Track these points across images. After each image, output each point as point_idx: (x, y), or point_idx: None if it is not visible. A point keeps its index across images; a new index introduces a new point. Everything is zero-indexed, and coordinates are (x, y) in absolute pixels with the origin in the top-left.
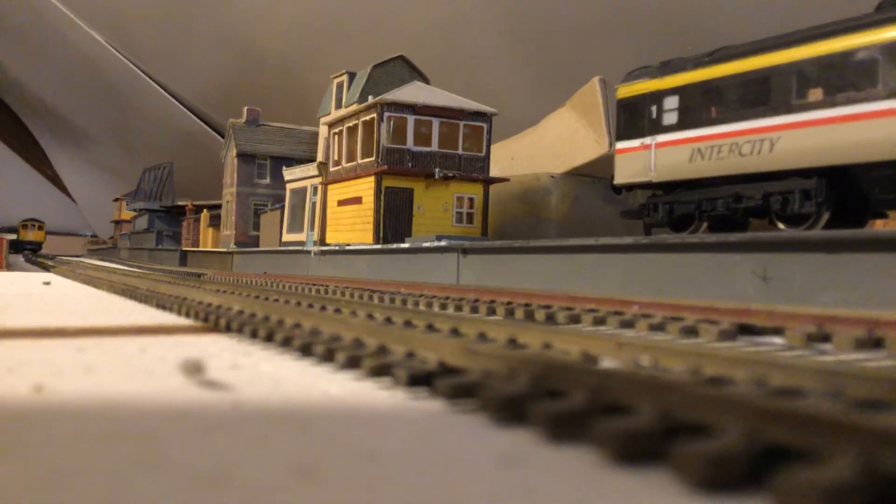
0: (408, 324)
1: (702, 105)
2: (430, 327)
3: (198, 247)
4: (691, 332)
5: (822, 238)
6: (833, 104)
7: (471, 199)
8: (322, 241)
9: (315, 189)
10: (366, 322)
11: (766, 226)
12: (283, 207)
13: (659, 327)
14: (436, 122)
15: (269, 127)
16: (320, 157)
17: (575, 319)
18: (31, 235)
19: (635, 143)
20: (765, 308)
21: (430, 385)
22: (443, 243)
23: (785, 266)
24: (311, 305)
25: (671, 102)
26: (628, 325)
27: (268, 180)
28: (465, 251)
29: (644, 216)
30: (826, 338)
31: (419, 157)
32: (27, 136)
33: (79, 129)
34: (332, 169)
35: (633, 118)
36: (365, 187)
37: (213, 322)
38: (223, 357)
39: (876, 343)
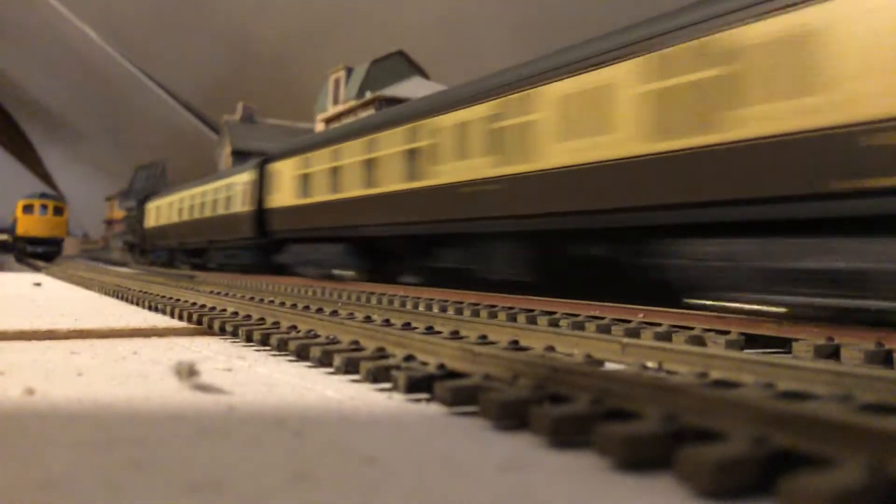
0: (407, 326)
1: None
2: (430, 329)
3: None
4: (698, 341)
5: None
6: None
7: None
8: None
9: None
10: (363, 324)
11: None
12: None
13: (665, 337)
14: None
15: (264, 124)
16: None
17: (578, 327)
18: (42, 227)
19: None
20: (773, 318)
21: (430, 389)
22: None
23: None
24: (307, 307)
25: None
26: (633, 333)
27: None
28: None
29: None
30: (836, 351)
31: None
32: (17, 133)
33: (70, 127)
34: None
35: None
36: None
37: (206, 324)
38: (217, 360)
39: (886, 357)
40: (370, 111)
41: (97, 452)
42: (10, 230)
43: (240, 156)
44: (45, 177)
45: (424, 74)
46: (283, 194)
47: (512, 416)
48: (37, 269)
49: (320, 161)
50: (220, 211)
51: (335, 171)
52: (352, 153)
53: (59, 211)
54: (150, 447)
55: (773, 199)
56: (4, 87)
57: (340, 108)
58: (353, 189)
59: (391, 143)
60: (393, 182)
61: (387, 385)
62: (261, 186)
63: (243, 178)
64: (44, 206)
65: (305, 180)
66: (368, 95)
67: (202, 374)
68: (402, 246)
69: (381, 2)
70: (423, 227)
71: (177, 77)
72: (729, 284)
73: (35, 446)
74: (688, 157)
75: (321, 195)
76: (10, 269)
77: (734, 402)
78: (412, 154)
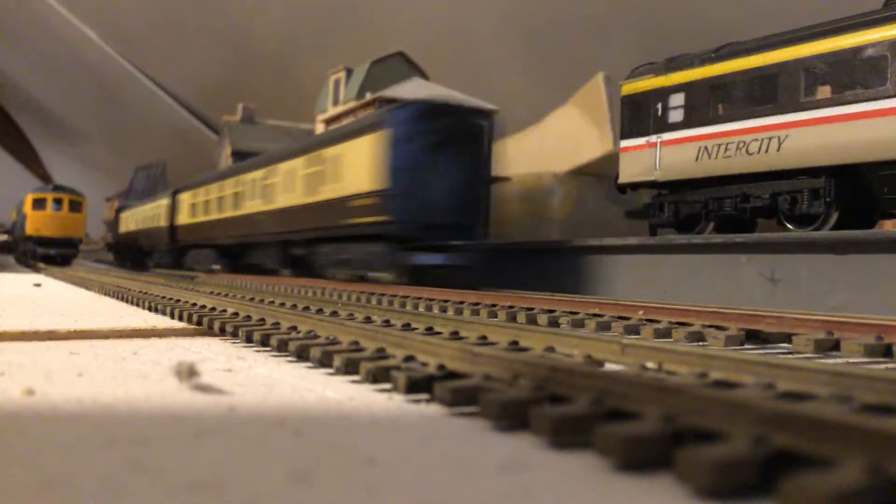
0: (406, 326)
1: (708, 102)
2: (430, 330)
3: None
4: (698, 337)
5: (831, 239)
6: (842, 102)
7: None
8: None
9: None
10: (363, 325)
11: (774, 226)
12: None
13: (665, 333)
14: None
15: (265, 125)
16: None
17: (578, 325)
18: (56, 225)
19: (640, 141)
20: (773, 313)
21: (430, 390)
22: None
23: (793, 267)
24: (307, 308)
25: (677, 100)
26: (633, 330)
27: None
28: None
29: (649, 216)
30: (836, 345)
31: None
32: (18, 134)
33: (70, 127)
34: None
35: (637, 116)
36: None
37: (206, 325)
38: (217, 361)
39: (886, 350)
40: (370, 111)
41: (97, 453)
42: (13, 229)
43: (240, 156)
44: (45, 177)
45: (424, 75)
46: (184, 215)
47: (512, 417)
48: (37, 270)
49: (201, 195)
50: (154, 224)
51: (206, 203)
52: (213, 192)
53: (75, 206)
54: (151, 447)
55: (330, 227)
56: (4, 89)
57: (340, 108)
58: (214, 214)
59: (228, 187)
60: (228, 211)
61: (387, 386)
62: (172, 209)
63: (164, 202)
64: (58, 201)
65: (194, 207)
66: (368, 96)
67: (202, 374)
68: (237, 250)
69: (382, 3)
70: (241, 238)
71: (177, 77)
72: (329, 267)
73: (35, 447)
74: (314, 206)
75: (201, 217)
76: (11, 270)
77: (734, 403)
78: (236, 195)
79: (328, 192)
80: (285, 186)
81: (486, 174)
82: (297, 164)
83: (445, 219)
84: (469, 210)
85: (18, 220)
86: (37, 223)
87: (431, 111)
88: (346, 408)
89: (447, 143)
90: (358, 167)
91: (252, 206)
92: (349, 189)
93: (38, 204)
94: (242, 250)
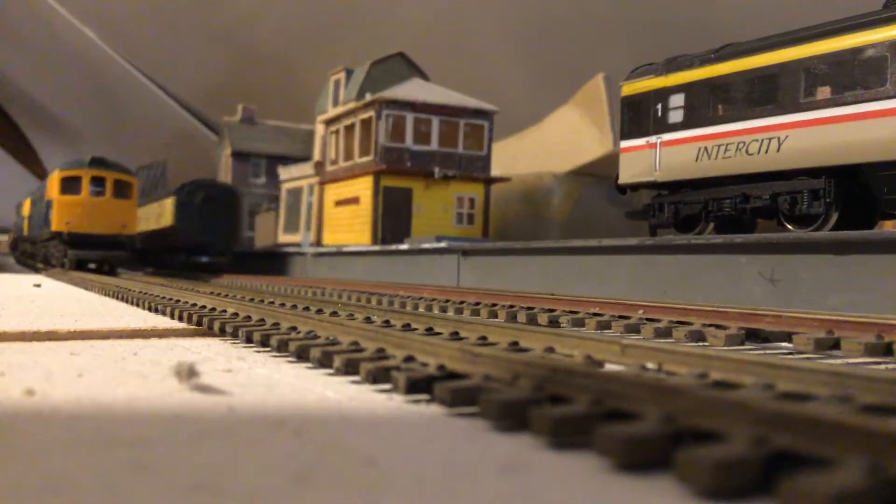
0: (407, 327)
1: (708, 103)
2: (430, 331)
3: None
4: (698, 336)
5: (831, 239)
6: (841, 102)
7: (471, 200)
8: (318, 243)
9: (311, 189)
10: (363, 325)
11: (774, 226)
12: (278, 208)
13: (665, 332)
14: (435, 120)
15: (265, 125)
16: (317, 156)
17: (579, 324)
18: (97, 216)
19: (640, 141)
20: (772, 312)
21: (430, 390)
22: (442, 244)
23: (793, 268)
24: (307, 308)
25: (677, 100)
26: (633, 329)
27: (263, 180)
28: (465, 253)
29: (649, 217)
30: (836, 344)
31: (418, 157)
32: (18, 134)
33: (70, 127)
34: (329, 168)
35: (637, 116)
36: (363, 187)
37: (206, 325)
38: (217, 361)
39: (886, 349)
40: (370, 113)
41: (97, 453)
42: (29, 225)
43: (241, 157)
44: (44, 178)
45: (424, 76)
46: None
47: (512, 417)
48: (36, 270)
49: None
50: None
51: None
52: (145, 210)
53: (122, 189)
54: (151, 448)
55: (165, 243)
56: (4, 89)
57: (341, 109)
58: (144, 227)
59: (152, 209)
60: (143, 227)
61: (387, 386)
62: None
63: None
64: (98, 181)
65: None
66: (368, 97)
67: (202, 375)
68: (158, 255)
69: (382, 4)
70: (147, 246)
71: (177, 78)
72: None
73: (35, 447)
74: (161, 230)
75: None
76: (11, 270)
77: (734, 403)
78: (147, 217)
79: (163, 223)
80: (156, 217)
81: (234, 215)
82: (156, 205)
83: (206, 240)
84: (220, 235)
85: (36, 214)
86: (68, 214)
87: (198, 187)
88: (347, 408)
89: (208, 202)
90: (167, 213)
91: (145, 225)
92: (166, 224)
93: (70, 185)
94: (152, 254)
